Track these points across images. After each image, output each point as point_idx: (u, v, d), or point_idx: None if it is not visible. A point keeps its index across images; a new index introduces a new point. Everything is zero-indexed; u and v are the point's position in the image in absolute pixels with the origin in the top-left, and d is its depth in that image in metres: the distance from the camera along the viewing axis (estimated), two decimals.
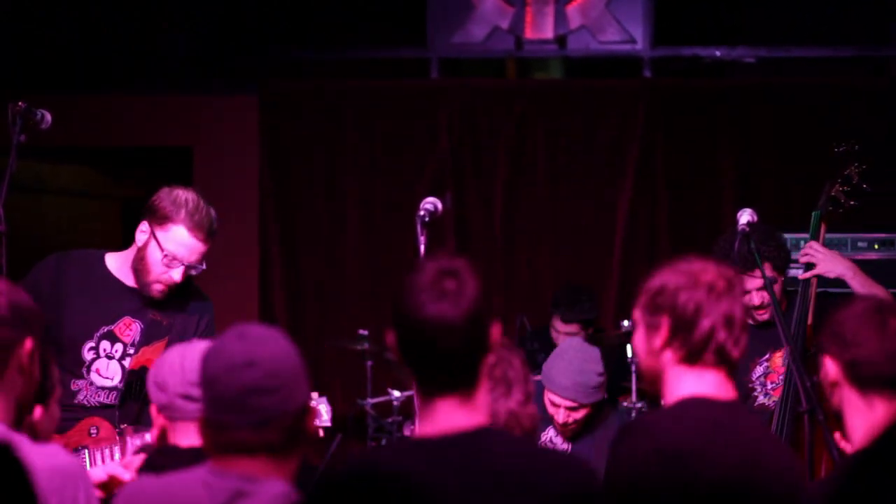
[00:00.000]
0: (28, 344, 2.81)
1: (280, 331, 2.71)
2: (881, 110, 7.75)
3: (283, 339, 2.67)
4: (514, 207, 8.11)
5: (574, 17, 8.27)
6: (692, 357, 2.86)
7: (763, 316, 5.08)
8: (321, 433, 3.87)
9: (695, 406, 2.84)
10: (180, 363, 3.23)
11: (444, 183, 7.97)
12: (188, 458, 3.03)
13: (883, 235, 6.61)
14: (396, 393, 7.25)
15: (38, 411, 3.06)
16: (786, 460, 2.92)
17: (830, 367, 2.97)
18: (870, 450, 2.86)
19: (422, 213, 4.09)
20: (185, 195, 4.33)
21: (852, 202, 5.12)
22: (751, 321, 5.10)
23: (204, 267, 4.35)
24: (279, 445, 2.60)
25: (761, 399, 5.12)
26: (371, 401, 7.39)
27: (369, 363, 7.43)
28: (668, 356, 2.88)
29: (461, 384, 2.56)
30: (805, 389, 4.49)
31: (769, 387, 5.13)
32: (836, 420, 3.06)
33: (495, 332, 2.58)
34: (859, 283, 5.00)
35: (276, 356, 2.62)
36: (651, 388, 3.00)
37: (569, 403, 4.98)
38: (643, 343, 2.94)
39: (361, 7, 8.55)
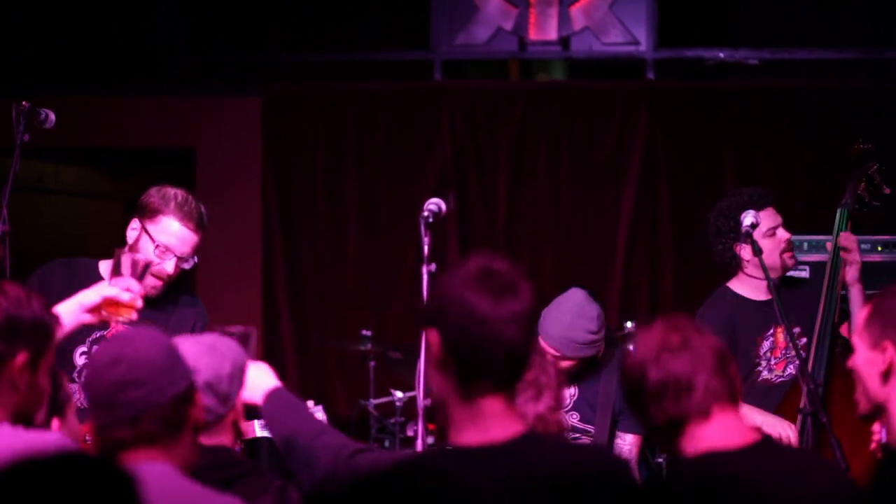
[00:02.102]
0: (21, 358, 2.80)
1: (154, 330, 2.77)
2: (884, 113, 7.75)
3: (154, 336, 2.73)
4: (516, 209, 8.10)
5: (578, 18, 8.27)
6: None
7: (792, 261, 5.10)
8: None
9: None
10: None
11: (446, 184, 7.97)
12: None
13: (887, 237, 6.60)
14: (399, 394, 7.24)
15: (54, 424, 3.07)
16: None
17: (891, 356, 2.81)
18: None
19: (425, 214, 4.08)
20: (173, 190, 4.37)
21: (875, 202, 5.13)
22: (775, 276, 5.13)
23: (196, 260, 4.38)
24: (158, 435, 2.65)
25: (765, 374, 5.13)
26: (374, 401, 7.38)
27: (372, 364, 7.42)
28: None
29: (509, 385, 2.52)
30: (809, 391, 4.49)
31: (773, 361, 5.15)
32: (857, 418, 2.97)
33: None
34: (859, 291, 5.03)
35: (140, 351, 2.67)
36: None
37: (552, 352, 4.95)
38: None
39: (365, 9, 8.56)
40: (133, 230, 4.34)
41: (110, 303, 3.88)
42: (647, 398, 2.72)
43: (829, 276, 5.03)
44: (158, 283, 4.30)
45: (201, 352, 3.17)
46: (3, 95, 7.54)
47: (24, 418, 2.84)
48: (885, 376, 2.82)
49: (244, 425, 3.33)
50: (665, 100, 8.06)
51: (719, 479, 2.67)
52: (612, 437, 4.96)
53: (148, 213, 4.33)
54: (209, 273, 7.87)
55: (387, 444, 7.43)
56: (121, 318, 3.88)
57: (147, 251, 4.29)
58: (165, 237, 4.30)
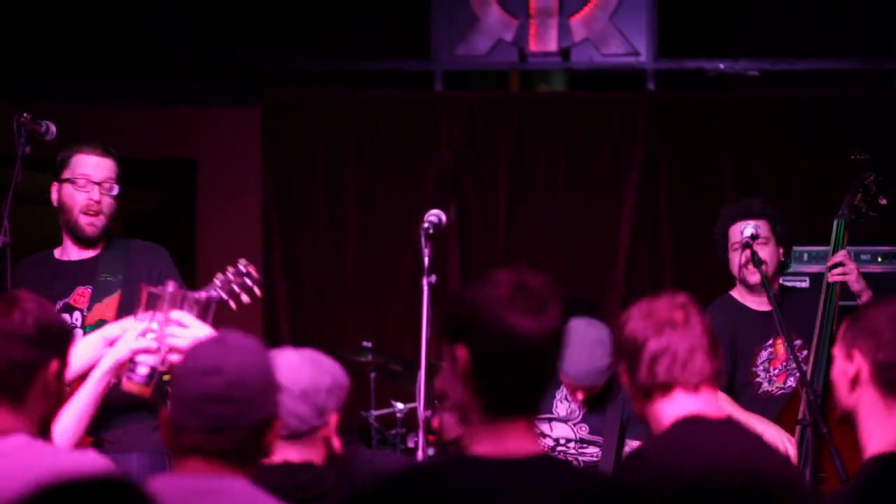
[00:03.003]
0: (54, 365, 2.82)
1: (260, 343, 2.72)
2: (884, 123, 7.75)
3: (258, 352, 2.68)
4: (516, 219, 8.11)
5: (578, 29, 8.28)
6: None
7: (753, 277, 5.10)
8: (258, 292, 4.30)
9: None
10: None
11: (446, 194, 7.97)
12: (271, 474, 3.06)
13: (886, 248, 6.62)
14: (400, 405, 7.24)
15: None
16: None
17: (858, 364, 2.88)
18: None
19: (426, 225, 4.09)
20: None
21: (872, 213, 5.14)
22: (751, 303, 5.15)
23: (117, 189, 4.59)
24: (232, 454, 2.61)
25: (765, 386, 5.14)
26: (375, 412, 7.38)
27: (373, 375, 7.42)
28: None
29: (534, 405, 2.51)
30: (809, 402, 4.50)
31: (773, 373, 5.16)
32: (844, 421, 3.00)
33: None
34: (869, 298, 5.03)
35: (242, 366, 2.62)
36: None
37: (583, 389, 5.02)
38: None
39: (366, 18, 8.57)
40: (54, 192, 4.59)
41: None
42: (641, 361, 2.86)
43: (826, 288, 5.04)
44: (93, 218, 4.53)
45: (303, 362, 3.20)
46: (2, 96, 7.59)
47: (44, 424, 2.85)
48: (854, 384, 2.87)
49: (337, 443, 3.32)
50: (665, 110, 8.07)
51: (697, 444, 2.80)
52: (620, 446, 4.97)
53: (58, 166, 4.60)
54: (210, 279, 7.86)
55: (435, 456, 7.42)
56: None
57: (70, 192, 4.54)
58: (81, 169, 4.54)
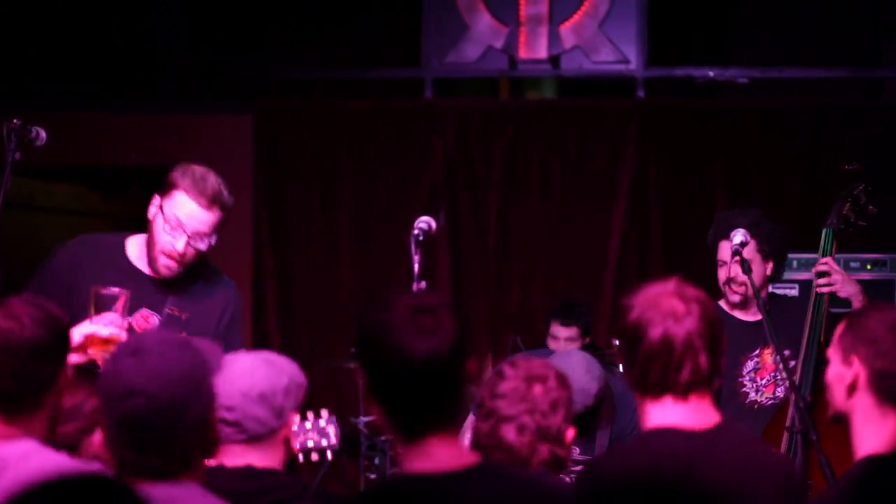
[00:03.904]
0: (68, 370, 2.84)
1: (180, 339, 2.70)
2: (874, 131, 7.77)
3: (177, 354, 2.62)
4: (507, 226, 8.12)
5: (568, 37, 8.29)
6: None
7: (734, 297, 5.11)
8: (329, 456, 3.80)
9: None
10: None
11: (437, 202, 7.98)
12: (234, 478, 3.05)
13: (875, 256, 6.63)
14: None
15: (97, 438, 3.08)
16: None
17: (856, 371, 2.90)
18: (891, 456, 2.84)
19: (416, 232, 4.09)
20: (194, 167, 4.23)
21: (861, 222, 5.14)
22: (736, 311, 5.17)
23: (213, 241, 4.19)
24: (173, 465, 2.58)
25: (752, 395, 5.14)
26: (364, 419, 7.38)
27: (362, 381, 7.40)
28: None
29: (450, 420, 2.51)
30: (798, 409, 4.51)
31: (760, 383, 5.16)
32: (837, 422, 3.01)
33: (471, 365, 2.53)
34: (860, 304, 5.03)
35: (163, 382, 2.57)
36: None
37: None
38: None
39: (356, 27, 8.58)
40: (152, 206, 4.20)
41: (94, 341, 3.79)
42: (638, 357, 2.84)
43: (814, 296, 5.05)
44: (172, 262, 4.14)
45: (258, 364, 3.19)
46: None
47: (52, 426, 2.86)
48: (851, 390, 2.88)
49: (294, 443, 3.31)
50: (655, 118, 8.09)
51: (674, 458, 2.78)
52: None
53: (165, 188, 4.19)
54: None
55: (377, 461, 7.43)
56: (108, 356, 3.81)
57: (160, 226, 4.14)
58: (176, 212, 4.14)
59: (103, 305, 3.86)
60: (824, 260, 5.06)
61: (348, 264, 8.20)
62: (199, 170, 4.22)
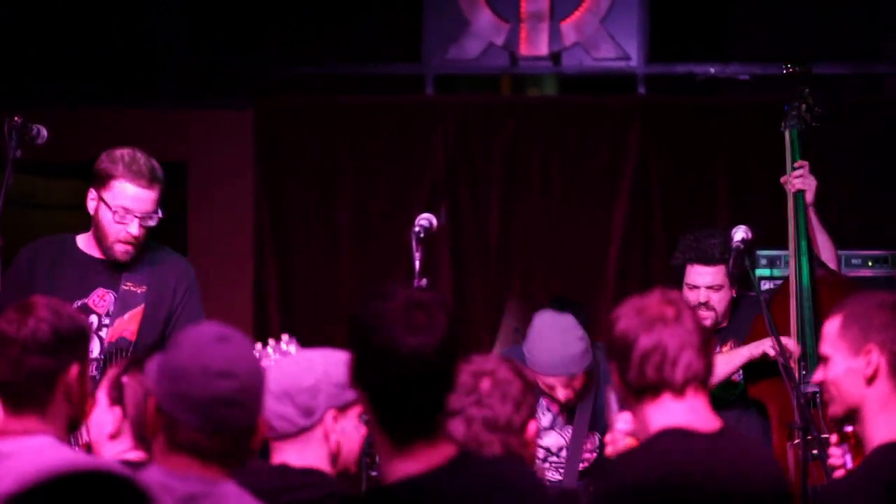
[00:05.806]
0: (74, 370, 2.83)
1: (248, 340, 2.72)
2: (875, 127, 7.77)
3: (253, 351, 2.72)
4: (508, 223, 8.11)
5: (569, 33, 8.29)
6: None
7: (705, 322, 5.13)
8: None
9: None
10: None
11: (438, 199, 7.98)
12: (270, 475, 3.06)
13: (876, 252, 6.62)
14: None
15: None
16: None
17: (876, 359, 2.91)
18: None
19: (417, 229, 4.11)
20: (120, 151, 4.41)
21: (815, 123, 5.18)
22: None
23: (160, 216, 4.37)
24: (227, 454, 2.63)
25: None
26: (366, 417, 7.36)
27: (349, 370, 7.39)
28: None
29: (434, 423, 2.54)
30: (800, 405, 4.51)
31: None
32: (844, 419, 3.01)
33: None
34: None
35: (252, 371, 2.64)
36: None
37: (563, 380, 4.97)
38: None
39: (356, 23, 8.57)
40: (91, 200, 4.38)
41: None
42: (632, 361, 2.84)
43: (794, 199, 5.03)
44: (128, 247, 4.33)
45: (293, 361, 3.20)
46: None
47: (73, 425, 2.87)
48: (871, 380, 2.88)
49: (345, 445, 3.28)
50: (656, 114, 8.08)
51: (686, 461, 2.79)
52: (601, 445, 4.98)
53: (100, 180, 4.37)
54: (201, 286, 7.85)
55: (378, 459, 7.41)
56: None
57: (107, 218, 4.32)
58: (120, 200, 4.31)
59: None
60: (802, 163, 5.10)
61: (349, 261, 8.20)
62: (125, 153, 4.40)
